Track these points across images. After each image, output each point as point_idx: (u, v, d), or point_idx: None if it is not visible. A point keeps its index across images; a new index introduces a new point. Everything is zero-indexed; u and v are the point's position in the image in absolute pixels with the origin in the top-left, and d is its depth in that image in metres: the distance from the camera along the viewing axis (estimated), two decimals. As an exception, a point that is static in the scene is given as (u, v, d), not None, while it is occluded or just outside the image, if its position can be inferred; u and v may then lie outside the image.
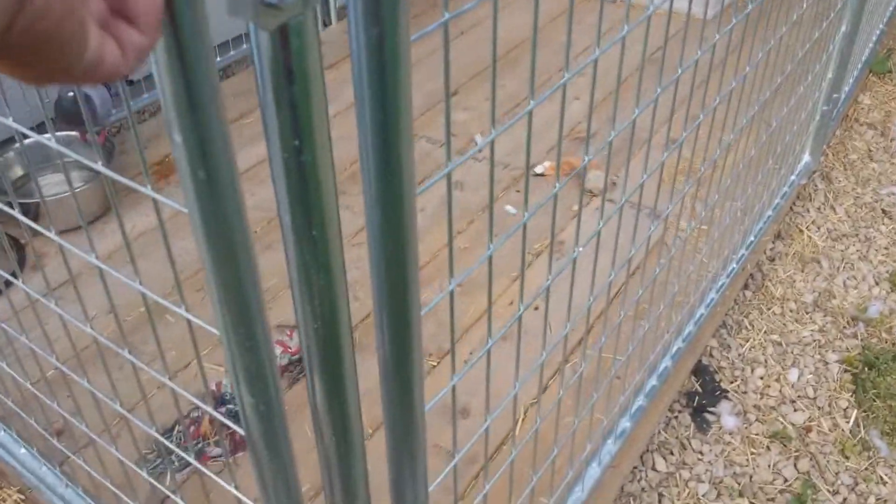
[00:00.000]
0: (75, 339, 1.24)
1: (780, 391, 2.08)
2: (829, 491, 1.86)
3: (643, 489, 1.84)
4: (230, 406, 1.74)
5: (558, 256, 2.24)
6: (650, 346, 1.72)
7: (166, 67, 0.52)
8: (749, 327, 2.25)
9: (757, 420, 2.00)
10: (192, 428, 1.71)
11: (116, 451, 1.28)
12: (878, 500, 1.85)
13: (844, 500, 1.85)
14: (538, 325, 1.22)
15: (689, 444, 1.95)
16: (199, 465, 1.03)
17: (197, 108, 0.54)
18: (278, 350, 1.87)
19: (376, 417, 0.92)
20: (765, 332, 2.24)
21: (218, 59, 3.01)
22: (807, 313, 2.30)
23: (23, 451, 1.66)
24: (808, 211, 2.68)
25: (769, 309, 2.31)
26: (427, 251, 2.21)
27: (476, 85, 2.98)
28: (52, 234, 0.97)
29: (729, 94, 1.44)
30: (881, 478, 1.89)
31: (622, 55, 1.03)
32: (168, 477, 1.61)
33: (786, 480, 1.88)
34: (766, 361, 2.15)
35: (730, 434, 1.97)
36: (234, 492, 0.98)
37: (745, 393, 2.07)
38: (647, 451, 1.91)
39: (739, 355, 2.17)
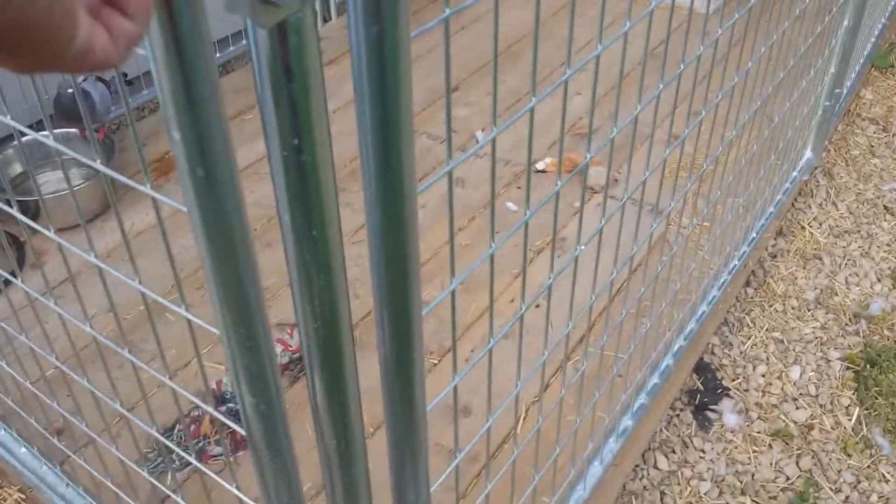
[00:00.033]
0: (75, 338, 1.24)
1: (782, 389, 2.07)
2: (831, 489, 1.85)
3: (645, 487, 1.84)
4: (231, 405, 1.73)
5: (559, 254, 2.23)
6: (652, 344, 1.71)
7: (165, 64, 0.52)
8: (751, 325, 2.25)
9: (759, 418, 2.00)
10: (192, 427, 1.70)
11: (117, 450, 1.28)
12: (880, 498, 1.85)
13: (847, 498, 1.84)
14: (539, 322, 1.21)
15: (691, 442, 1.94)
16: (199, 465, 1.02)
17: (196, 104, 0.54)
18: (279, 348, 1.87)
19: (377, 416, 0.91)
20: (766, 329, 2.23)
21: (217, 55, 3.00)
22: (808, 310, 2.30)
23: (23, 450, 1.65)
24: (810, 207, 2.67)
25: (771, 306, 2.31)
26: (428, 248, 2.20)
27: (477, 80, 2.97)
28: (50, 234, 0.96)
29: (731, 90, 1.43)
30: (883, 476, 1.89)
31: (624, 51, 1.02)
32: (169, 476, 1.60)
33: (788, 479, 1.87)
34: (767, 359, 2.15)
35: (731, 432, 1.97)
36: (235, 492, 0.97)
37: (746, 391, 2.06)
38: (649, 449, 1.90)
39: (741, 353, 2.16)
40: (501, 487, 1.22)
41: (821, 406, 2.03)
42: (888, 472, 1.89)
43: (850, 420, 2.00)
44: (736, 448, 1.93)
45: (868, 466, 1.91)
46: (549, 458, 1.34)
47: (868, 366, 2.12)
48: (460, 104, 2.82)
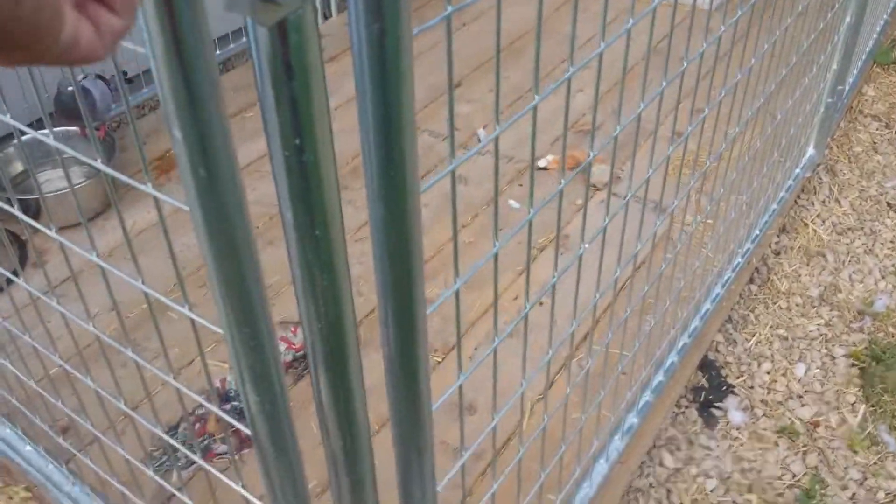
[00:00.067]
0: (78, 337, 1.23)
1: (787, 386, 2.07)
2: (837, 486, 1.85)
3: (651, 485, 1.83)
4: (235, 403, 1.73)
5: (563, 251, 2.23)
6: (656, 342, 1.70)
7: (165, 63, 0.51)
8: (755, 322, 2.24)
9: (764, 415, 1.99)
10: (197, 425, 1.70)
11: (122, 449, 1.27)
12: (887, 494, 1.84)
13: (853, 495, 1.84)
14: (542, 320, 1.21)
15: (697, 439, 1.94)
16: (204, 464, 1.02)
17: (197, 103, 0.53)
18: (282, 346, 1.86)
19: (382, 414, 0.91)
20: (771, 326, 2.23)
21: (217, 52, 3.00)
22: (813, 307, 2.29)
23: (28, 448, 1.65)
24: (813, 204, 2.67)
25: (775, 303, 2.30)
26: (431, 246, 2.20)
27: (479, 77, 2.96)
28: (52, 233, 0.96)
29: (734, 87, 1.42)
30: (890, 472, 1.88)
31: (627, 49, 1.01)
32: (174, 474, 1.60)
33: (794, 476, 1.87)
34: (772, 356, 2.14)
35: (737, 429, 1.96)
36: (241, 490, 0.97)
37: (751, 388, 2.06)
38: (655, 446, 1.90)
39: (745, 350, 2.16)
40: (507, 485, 1.22)
41: (826, 403, 2.03)
42: (895, 469, 1.89)
43: (855, 417, 2.00)
44: (742, 445, 1.93)
45: (874, 463, 1.90)
46: (555, 455, 1.33)
47: (873, 362, 2.12)
48: (462, 101, 2.82)
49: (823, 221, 2.60)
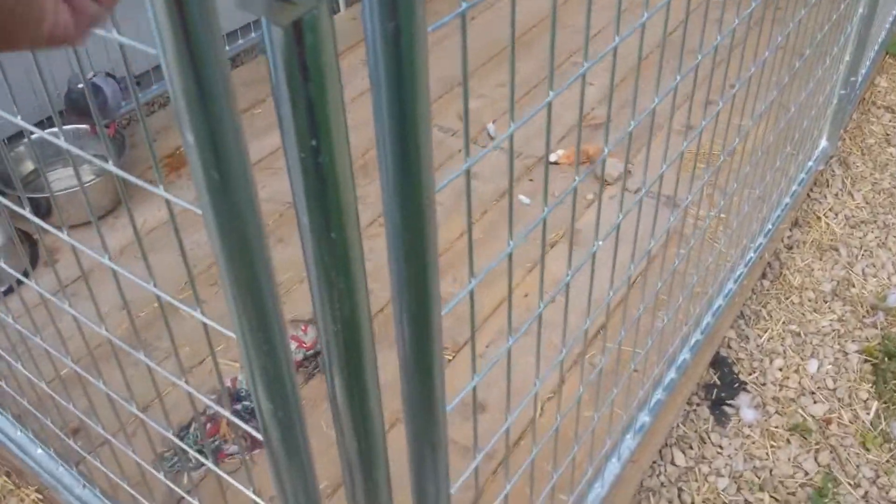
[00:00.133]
0: (89, 337, 1.23)
1: (800, 383, 2.05)
2: (850, 484, 1.83)
3: (662, 484, 1.82)
4: (246, 403, 1.73)
5: (574, 246, 2.21)
6: (668, 339, 1.69)
7: (175, 62, 0.50)
8: (767, 317, 2.22)
9: (776, 412, 1.98)
10: (209, 425, 1.70)
11: (132, 451, 1.27)
12: (900, 491, 1.82)
13: (866, 493, 1.82)
14: (554, 317, 1.20)
15: (709, 437, 1.92)
16: (213, 467, 1.01)
17: (208, 102, 0.52)
18: (293, 345, 1.86)
19: (394, 412, 0.90)
20: (783, 322, 2.21)
21: (226, 48, 2.99)
22: (825, 302, 2.27)
23: (39, 451, 1.65)
24: (826, 197, 2.64)
25: (787, 298, 2.28)
26: (442, 242, 2.19)
27: (488, 71, 2.94)
28: (63, 235, 0.95)
29: (748, 79, 1.40)
30: (904, 469, 1.87)
31: (641, 42, 1.00)
32: (185, 475, 1.60)
33: (806, 474, 1.85)
34: (784, 352, 2.13)
35: (749, 427, 1.95)
36: (251, 495, 0.96)
37: (763, 385, 2.04)
38: (666, 445, 1.89)
39: (758, 346, 2.14)
40: (520, 486, 1.21)
41: (839, 400, 2.01)
42: (908, 466, 1.87)
43: (868, 414, 1.98)
44: (754, 443, 1.91)
45: (887, 461, 1.88)
46: (568, 455, 1.32)
47: (886, 358, 2.10)
48: (472, 95, 2.80)
49: (836, 215, 2.58)
